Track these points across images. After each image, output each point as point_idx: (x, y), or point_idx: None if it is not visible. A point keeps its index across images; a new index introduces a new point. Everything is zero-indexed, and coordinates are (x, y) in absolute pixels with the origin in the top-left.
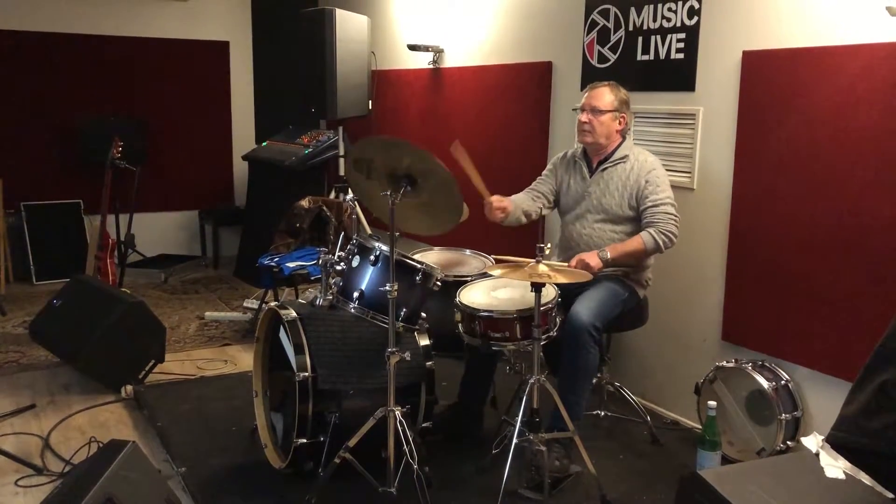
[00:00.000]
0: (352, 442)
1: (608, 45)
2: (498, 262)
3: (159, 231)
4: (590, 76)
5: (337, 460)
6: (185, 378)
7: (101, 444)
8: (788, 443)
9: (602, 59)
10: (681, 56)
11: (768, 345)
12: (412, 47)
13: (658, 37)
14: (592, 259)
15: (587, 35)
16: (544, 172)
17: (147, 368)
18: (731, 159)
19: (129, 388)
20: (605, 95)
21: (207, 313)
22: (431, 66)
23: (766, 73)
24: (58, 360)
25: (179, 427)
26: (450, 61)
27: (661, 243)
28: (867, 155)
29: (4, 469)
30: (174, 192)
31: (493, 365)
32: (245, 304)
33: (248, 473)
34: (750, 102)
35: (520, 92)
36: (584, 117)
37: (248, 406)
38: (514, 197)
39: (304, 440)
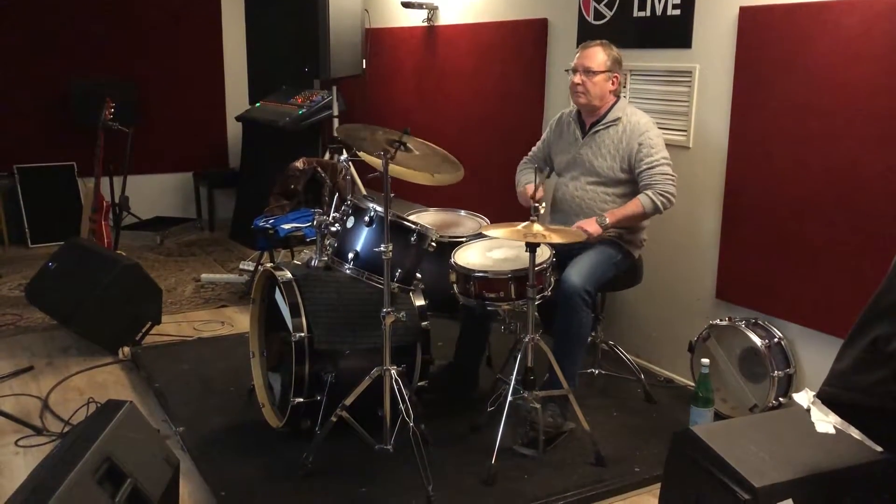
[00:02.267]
0: (348, 401)
1: (604, 2)
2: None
3: (154, 193)
4: (586, 33)
5: (334, 419)
6: (182, 339)
7: (99, 405)
8: (781, 399)
9: (598, 15)
10: (677, 12)
11: (762, 303)
12: (406, 4)
13: None
14: (591, 226)
15: None
16: (542, 138)
17: (144, 330)
18: (727, 117)
19: (127, 349)
20: (598, 55)
21: (203, 275)
22: (426, 24)
23: (762, 29)
24: (55, 322)
25: (177, 388)
26: (444, 19)
27: (659, 204)
28: (864, 111)
29: (4, 430)
30: (168, 154)
31: (488, 324)
32: (241, 266)
33: (245, 433)
34: (747, 59)
35: (515, 49)
36: (577, 78)
37: (246, 366)
38: (529, 178)
39: (301, 399)
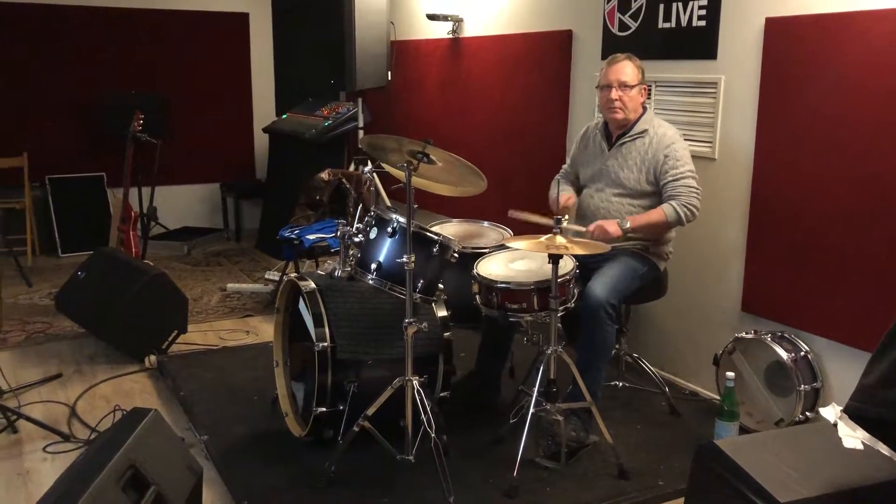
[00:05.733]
0: (370, 411)
1: (629, 13)
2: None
3: (182, 204)
4: (610, 44)
5: (356, 429)
6: (207, 348)
7: (124, 412)
8: (807, 414)
9: (623, 27)
10: (703, 23)
11: (788, 316)
12: (431, 17)
13: (680, 4)
14: (612, 226)
15: (608, 2)
16: (571, 153)
17: (170, 339)
18: (753, 128)
19: (153, 357)
20: (628, 68)
21: (229, 285)
22: (450, 36)
23: (789, 40)
24: (83, 330)
25: (202, 396)
26: (469, 31)
27: (682, 216)
28: (893, 123)
29: (33, 436)
30: (196, 165)
31: (511, 336)
32: (266, 276)
33: (268, 441)
34: (773, 70)
35: (540, 61)
36: (614, 94)
37: (270, 376)
38: (563, 187)
39: (324, 409)
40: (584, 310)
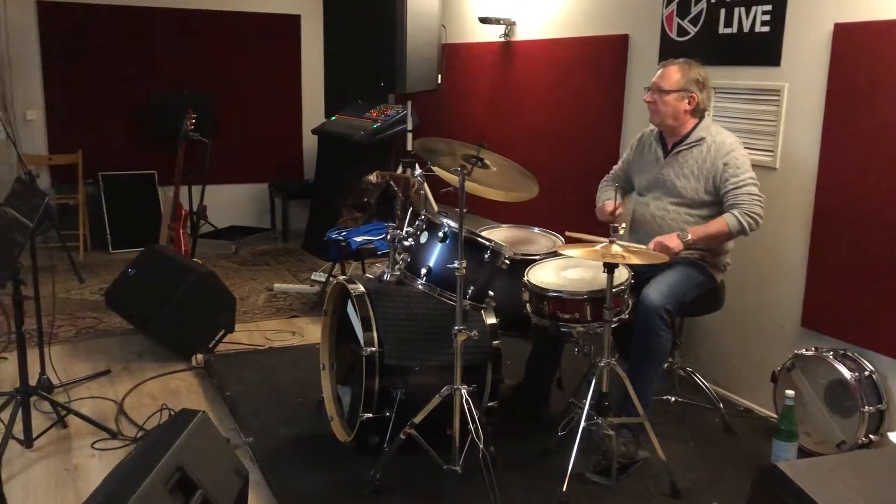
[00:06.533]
0: (417, 419)
1: (688, 18)
2: (569, 241)
3: (230, 203)
4: (668, 50)
5: (402, 436)
6: (254, 348)
7: (171, 412)
8: (871, 436)
9: (681, 31)
10: (766, 29)
11: (851, 333)
12: (483, 20)
13: (742, 8)
14: (672, 241)
15: (666, 7)
16: (623, 157)
17: (217, 338)
18: (817, 138)
19: (200, 356)
20: (673, 75)
21: (276, 285)
22: (502, 40)
23: (859, 47)
24: (132, 327)
25: (248, 397)
26: (522, 34)
27: (745, 225)
28: None
29: (81, 432)
30: (245, 165)
31: (561, 346)
32: (313, 277)
33: (314, 445)
34: (840, 79)
35: (594, 66)
36: (647, 97)
37: (315, 378)
38: (610, 195)
39: (370, 415)
40: (638, 315)
